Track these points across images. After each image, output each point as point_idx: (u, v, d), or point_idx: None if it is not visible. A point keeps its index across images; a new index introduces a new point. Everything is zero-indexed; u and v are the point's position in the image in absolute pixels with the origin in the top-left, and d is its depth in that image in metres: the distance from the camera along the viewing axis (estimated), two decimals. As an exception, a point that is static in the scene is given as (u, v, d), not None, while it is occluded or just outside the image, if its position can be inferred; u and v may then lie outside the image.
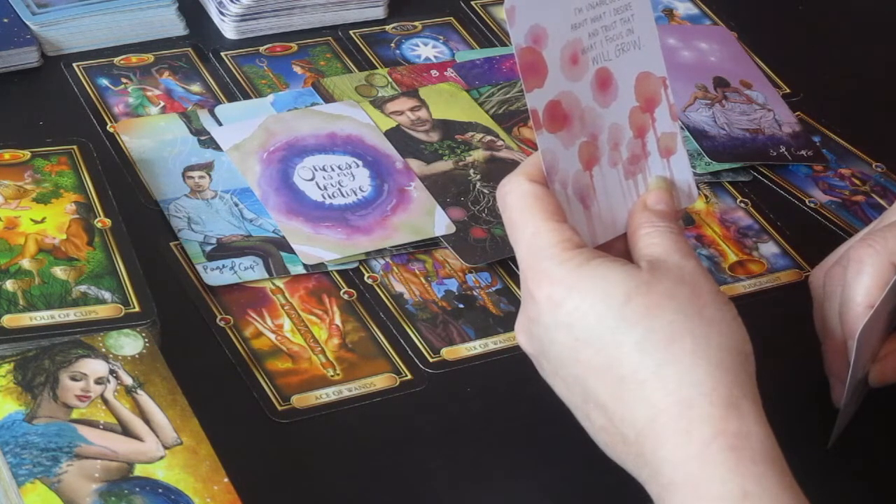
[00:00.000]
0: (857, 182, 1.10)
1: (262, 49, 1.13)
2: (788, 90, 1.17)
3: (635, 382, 0.71)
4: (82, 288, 0.87)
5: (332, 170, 1.01)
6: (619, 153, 0.77)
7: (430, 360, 0.91)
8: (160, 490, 0.74)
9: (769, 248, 1.03)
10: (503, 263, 0.98)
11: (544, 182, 0.75)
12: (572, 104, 0.74)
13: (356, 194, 1.00)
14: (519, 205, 0.75)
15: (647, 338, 0.71)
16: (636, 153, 0.78)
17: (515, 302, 0.95)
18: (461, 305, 0.95)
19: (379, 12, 1.18)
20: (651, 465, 0.70)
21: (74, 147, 0.97)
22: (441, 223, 0.99)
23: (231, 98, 1.08)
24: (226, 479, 0.76)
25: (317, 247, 0.95)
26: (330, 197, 0.99)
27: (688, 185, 0.80)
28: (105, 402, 0.79)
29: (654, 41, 0.78)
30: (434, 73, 1.13)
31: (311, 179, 1.00)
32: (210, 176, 1.00)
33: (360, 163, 1.02)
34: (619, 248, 0.79)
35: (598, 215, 0.77)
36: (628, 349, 0.71)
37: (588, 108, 0.75)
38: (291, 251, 0.95)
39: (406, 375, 0.89)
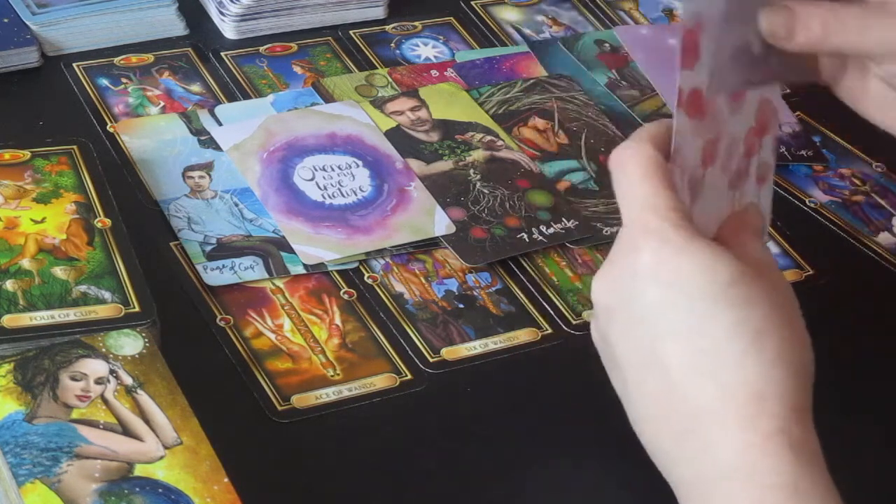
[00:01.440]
0: (857, 182, 1.10)
1: (262, 49, 1.13)
2: (788, 90, 1.17)
3: (713, 359, 0.71)
4: (82, 288, 0.87)
5: (332, 170, 1.01)
6: (731, 163, 0.79)
7: (431, 360, 0.91)
8: (160, 490, 0.74)
9: (769, 248, 1.03)
10: (503, 263, 0.98)
11: (666, 155, 0.75)
12: (711, 100, 0.76)
13: (356, 194, 1.00)
14: (641, 166, 0.74)
15: (740, 324, 0.71)
16: (742, 169, 0.79)
17: (515, 302, 0.96)
18: (461, 305, 0.95)
19: (379, 12, 1.18)
20: (702, 444, 0.70)
21: (74, 147, 0.97)
22: (441, 223, 0.99)
23: (231, 98, 1.08)
24: (226, 479, 0.76)
25: (317, 247, 0.95)
26: (330, 197, 0.99)
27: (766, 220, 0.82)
28: (105, 402, 0.79)
29: None
30: (434, 73, 1.13)
31: (312, 179, 1.00)
32: (210, 176, 1.00)
33: (360, 163, 1.02)
34: None
35: (698, 214, 0.77)
36: (719, 327, 0.71)
37: (720, 111, 0.77)
38: (291, 251, 0.95)
39: (406, 375, 0.89)
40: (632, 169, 0.75)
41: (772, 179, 0.82)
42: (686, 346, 0.71)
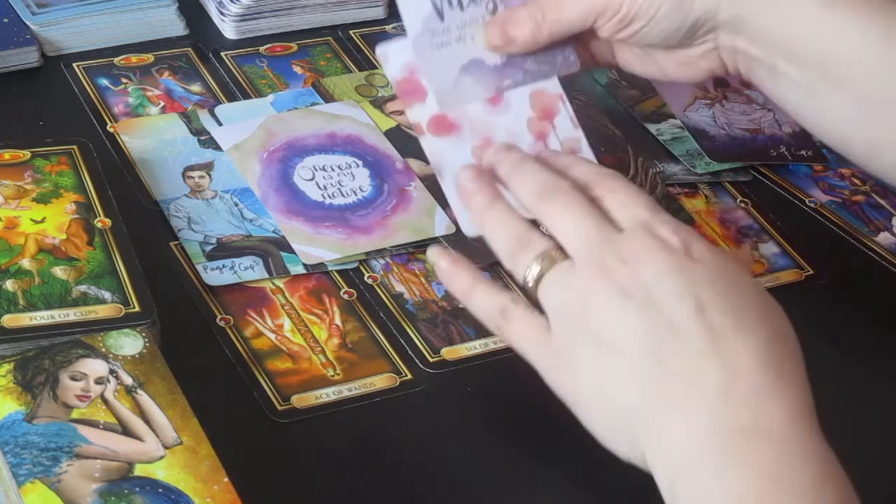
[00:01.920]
0: (857, 182, 1.10)
1: (262, 49, 1.13)
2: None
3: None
4: (82, 288, 0.87)
5: (332, 170, 1.01)
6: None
7: (430, 359, 0.91)
8: (160, 490, 0.74)
9: (769, 248, 1.03)
10: (503, 263, 0.98)
11: None
12: (458, 114, 0.89)
13: (356, 194, 1.00)
14: None
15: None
16: (539, 150, 0.89)
17: (515, 302, 0.95)
18: (461, 305, 0.95)
19: (379, 12, 1.18)
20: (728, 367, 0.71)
21: (74, 147, 0.97)
22: (441, 223, 0.99)
23: (231, 98, 1.08)
24: (226, 479, 0.76)
25: (317, 247, 0.95)
26: (330, 197, 0.99)
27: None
28: (105, 401, 0.79)
29: None
30: (434, 72, 1.13)
31: (311, 179, 1.00)
32: (210, 176, 1.00)
33: (360, 163, 1.02)
34: None
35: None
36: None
37: (478, 118, 0.89)
38: (291, 251, 0.95)
39: (406, 375, 0.89)
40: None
41: (586, 148, 0.92)
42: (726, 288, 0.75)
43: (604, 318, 0.73)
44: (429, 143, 0.89)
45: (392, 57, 0.88)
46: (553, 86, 0.91)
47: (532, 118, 0.92)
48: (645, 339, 0.72)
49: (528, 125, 0.91)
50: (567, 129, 0.92)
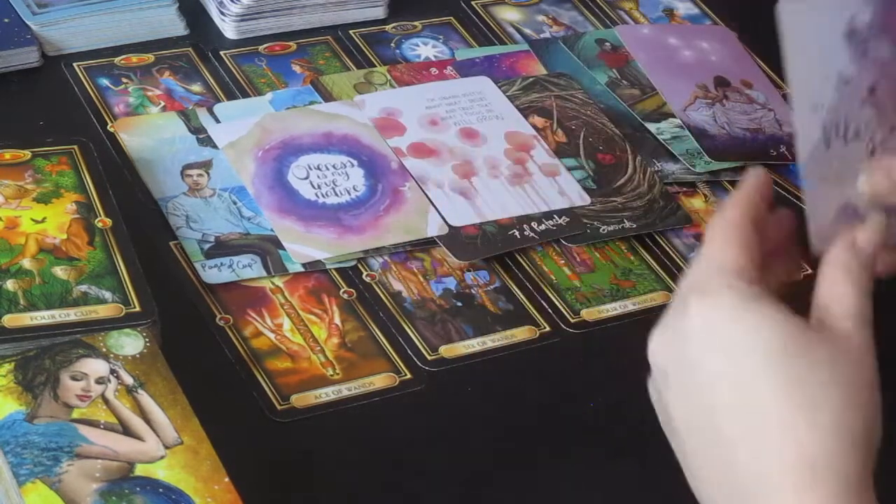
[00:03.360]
0: (856, 181, 1.10)
1: (261, 48, 1.13)
2: (789, 90, 1.17)
3: (763, 423, 0.68)
4: (83, 288, 0.87)
5: (327, 169, 1.01)
6: (498, 170, 1.03)
7: (429, 358, 0.91)
8: (161, 490, 0.75)
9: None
10: (501, 261, 0.98)
11: (751, 214, 0.74)
12: (438, 144, 1.03)
13: (350, 194, 1.00)
14: (715, 226, 0.74)
15: (792, 388, 0.68)
16: (518, 173, 1.03)
17: (514, 300, 0.96)
18: (459, 304, 0.95)
19: (379, 12, 1.18)
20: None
21: (75, 147, 0.97)
22: (434, 224, 0.99)
23: (231, 97, 1.08)
24: (226, 479, 0.76)
25: (308, 245, 0.95)
26: (323, 196, 0.99)
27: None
28: (106, 401, 0.79)
29: (513, 114, 1.08)
30: (434, 70, 1.13)
31: (306, 178, 1.00)
32: (208, 174, 1.00)
33: (355, 162, 1.02)
34: (778, 270, 0.76)
35: (482, 204, 1.00)
36: (768, 393, 0.68)
37: (457, 146, 1.04)
38: (289, 250, 0.95)
39: (405, 375, 0.89)
40: (708, 234, 0.73)
41: (564, 172, 1.03)
42: (740, 417, 0.69)
43: None
44: (411, 163, 1.00)
45: (369, 101, 0.99)
46: (526, 129, 1.00)
47: (507, 150, 1.04)
48: None
49: (506, 154, 1.04)
50: (544, 157, 1.01)
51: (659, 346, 0.73)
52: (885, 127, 0.78)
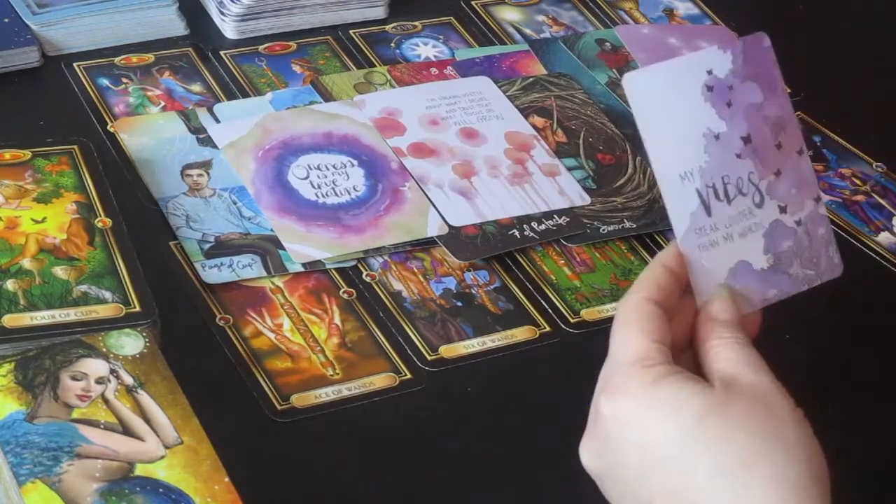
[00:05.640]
0: (857, 182, 1.10)
1: (261, 48, 1.13)
2: (789, 90, 1.17)
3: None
4: (83, 288, 0.87)
5: (327, 169, 1.01)
6: (498, 170, 1.03)
7: (429, 357, 0.91)
8: (161, 490, 0.75)
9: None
10: (501, 261, 0.98)
11: (658, 299, 0.74)
12: (438, 144, 1.03)
13: (350, 193, 1.00)
14: (616, 317, 0.74)
15: (722, 462, 0.68)
16: (518, 173, 1.03)
17: (514, 300, 0.96)
18: (459, 303, 0.95)
19: (379, 12, 1.18)
20: None
21: (75, 147, 0.97)
22: (434, 224, 0.99)
23: (231, 97, 1.08)
24: (226, 479, 0.76)
25: (308, 245, 0.96)
26: (323, 196, 0.99)
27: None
28: (106, 401, 0.79)
29: (513, 113, 1.08)
30: (434, 70, 1.13)
31: (306, 178, 1.00)
32: (208, 174, 1.00)
33: (355, 162, 1.02)
34: (688, 361, 0.75)
35: (482, 204, 1.00)
36: (701, 474, 0.68)
37: (457, 146, 1.04)
38: (290, 250, 0.96)
39: (405, 375, 0.89)
40: (612, 328, 0.73)
41: (565, 172, 1.03)
42: (679, 499, 0.68)
43: None
44: (411, 163, 1.01)
45: (369, 101, 0.99)
46: (526, 129, 0.99)
47: (507, 150, 1.04)
48: None
49: (506, 154, 1.04)
50: (544, 157, 1.01)
51: (586, 454, 0.73)
52: (768, 172, 0.77)
